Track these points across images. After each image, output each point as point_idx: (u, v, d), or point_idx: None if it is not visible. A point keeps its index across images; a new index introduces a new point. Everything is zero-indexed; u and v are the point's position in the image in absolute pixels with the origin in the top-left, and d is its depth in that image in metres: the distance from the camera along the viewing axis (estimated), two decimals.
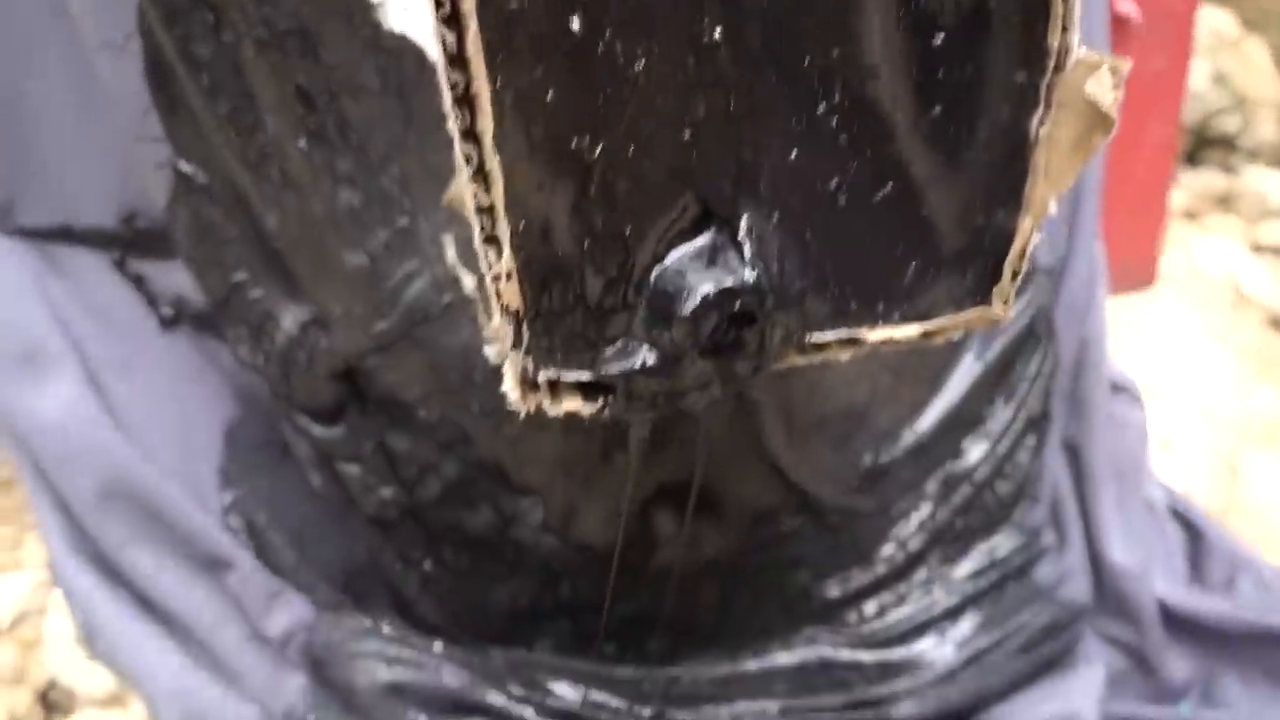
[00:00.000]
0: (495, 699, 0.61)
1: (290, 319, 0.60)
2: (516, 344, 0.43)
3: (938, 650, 0.72)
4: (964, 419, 0.71)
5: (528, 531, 0.64)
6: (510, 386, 0.45)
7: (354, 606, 0.66)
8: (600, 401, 0.45)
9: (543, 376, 0.44)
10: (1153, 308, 1.21)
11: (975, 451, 0.73)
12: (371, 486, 0.64)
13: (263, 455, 0.68)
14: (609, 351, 0.43)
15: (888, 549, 0.72)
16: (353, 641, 0.62)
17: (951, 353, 0.70)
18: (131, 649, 0.62)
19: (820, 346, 0.46)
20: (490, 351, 0.44)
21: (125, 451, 0.62)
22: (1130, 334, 0.93)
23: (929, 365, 0.69)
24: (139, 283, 0.65)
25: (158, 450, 0.65)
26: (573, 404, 0.45)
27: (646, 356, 0.43)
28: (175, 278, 0.65)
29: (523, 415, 0.45)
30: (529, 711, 0.61)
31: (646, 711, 0.64)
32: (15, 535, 0.82)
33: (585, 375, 0.44)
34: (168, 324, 0.66)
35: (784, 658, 0.69)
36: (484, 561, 0.65)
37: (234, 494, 0.67)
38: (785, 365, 0.47)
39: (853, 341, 0.46)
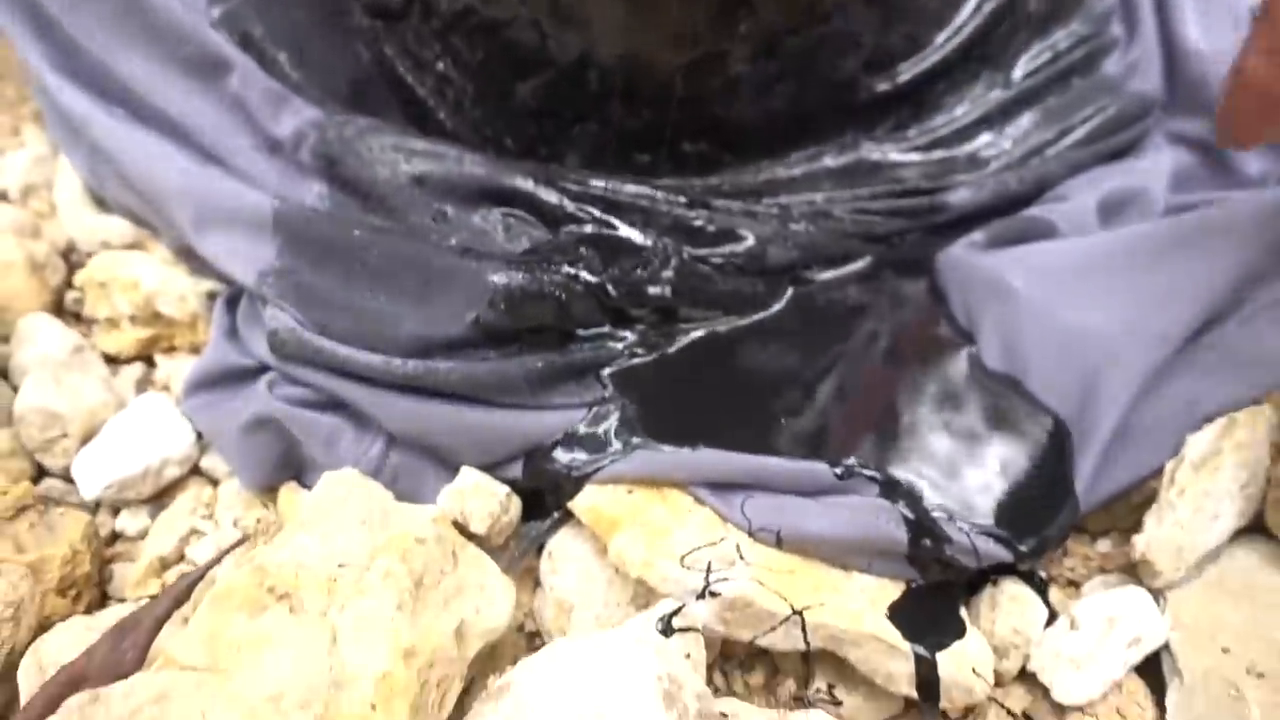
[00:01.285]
0: (524, 184, 0.57)
1: None
2: None
3: (994, 146, 0.67)
4: None
5: (547, 10, 0.58)
6: None
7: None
8: None
9: None
10: None
11: None
12: None
13: None
14: None
15: (941, 36, 0.66)
16: (369, 136, 0.57)
17: None
18: (136, 161, 0.59)
19: None
20: None
21: None
22: None
23: None
24: None
25: None
26: None
27: None
28: None
29: None
30: (556, 196, 0.58)
31: (683, 199, 0.60)
32: (13, 124, 0.78)
33: None
34: None
35: (830, 160, 0.65)
36: (503, 53, 0.60)
37: (222, 6, 0.61)
38: None
39: None
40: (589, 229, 0.57)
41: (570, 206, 0.57)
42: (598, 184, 0.59)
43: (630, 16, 0.58)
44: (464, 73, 0.61)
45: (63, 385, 0.56)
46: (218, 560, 0.50)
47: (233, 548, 0.51)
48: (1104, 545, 0.57)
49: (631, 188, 0.60)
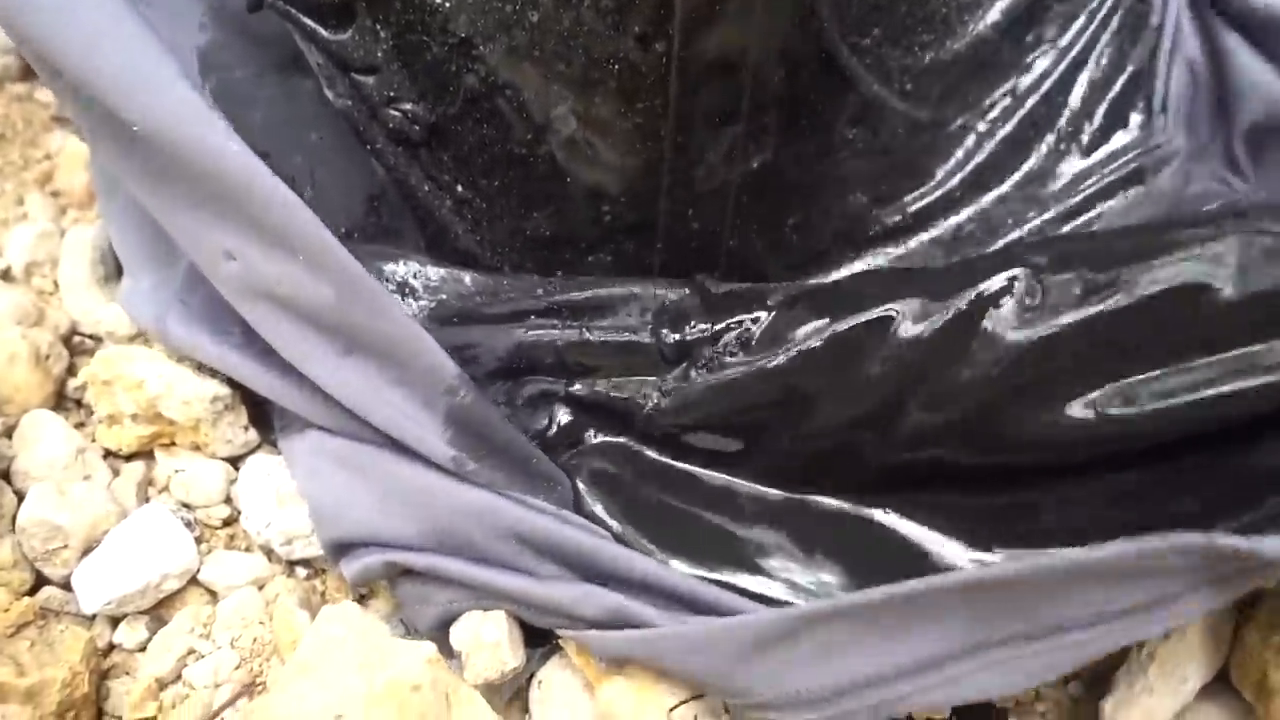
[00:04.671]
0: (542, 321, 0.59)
1: None
2: None
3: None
4: (1032, 19, 0.65)
5: (562, 146, 0.59)
6: None
7: (381, 237, 0.63)
8: None
9: None
10: None
11: (1041, 64, 0.67)
12: (391, 99, 0.59)
13: (255, 84, 0.62)
14: None
15: (945, 168, 0.67)
16: None
17: None
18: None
19: None
20: None
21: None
22: None
23: None
24: None
25: None
26: None
27: None
28: None
29: None
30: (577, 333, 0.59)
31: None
32: (16, 191, 0.78)
33: None
34: None
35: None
36: (519, 184, 0.61)
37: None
38: None
39: None
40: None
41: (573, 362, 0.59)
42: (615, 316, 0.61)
43: (640, 153, 0.59)
44: (481, 197, 0.61)
45: (66, 496, 0.56)
46: (220, 711, 0.51)
47: (234, 699, 0.52)
48: (1075, 689, 0.59)
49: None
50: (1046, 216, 0.68)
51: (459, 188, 0.62)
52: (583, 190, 0.60)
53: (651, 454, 0.58)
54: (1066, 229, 0.66)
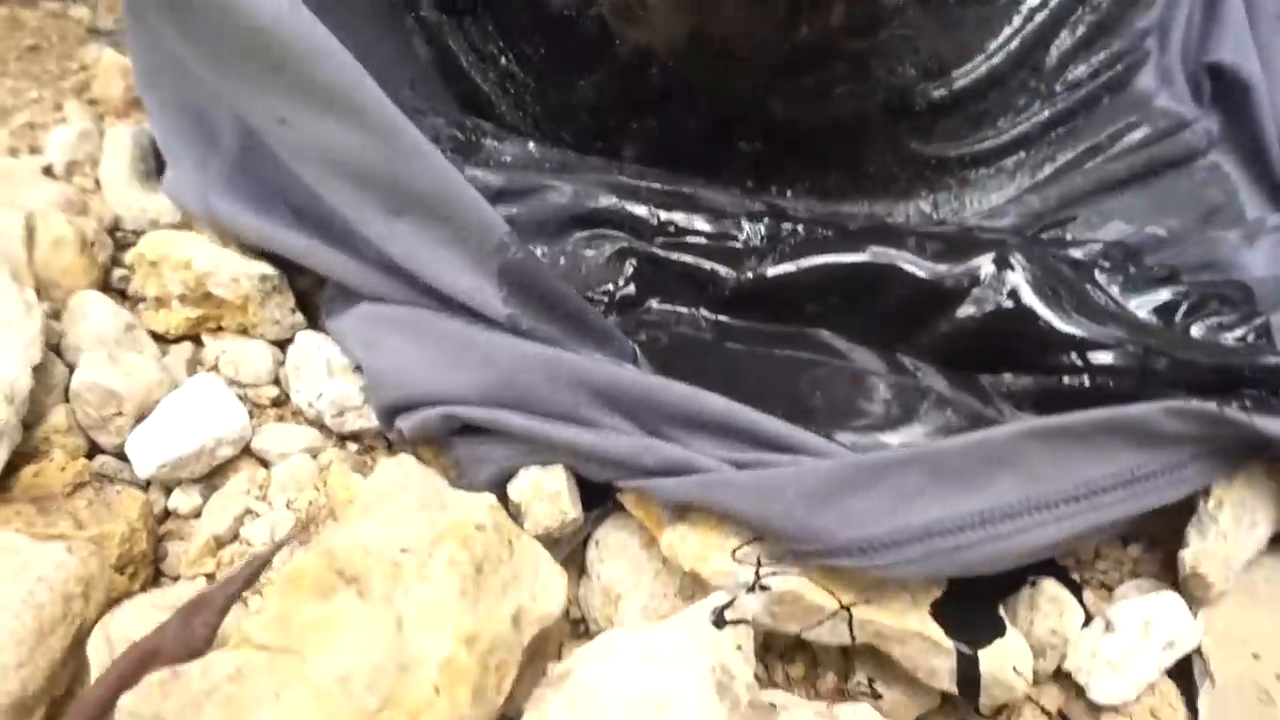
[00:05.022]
0: (607, 202, 0.59)
1: None
2: None
3: (1025, 165, 0.69)
4: None
5: (611, 7, 0.58)
6: None
7: (423, 109, 0.62)
8: None
9: None
10: None
11: None
12: None
13: None
14: None
15: (993, 44, 0.67)
16: None
17: None
18: None
19: None
20: None
21: None
22: None
23: None
24: None
25: None
26: None
27: None
28: None
29: None
30: (645, 210, 0.59)
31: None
32: (54, 99, 0.78)
33: None
34: None
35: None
36: (567, 50, 0.60)
37: None
38: None
39: None
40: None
41: (661, 216, 0.59)
42: (679, 188, 0.61)
43: (693, 15, 0.58)
44: (526, 68, 0.61)
45: (118, 364, 0.56)
46: (281, 546, 0.50)
47: (292, 535, 0.52)
48: (1135, 550, 0.59)
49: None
50: (1047, 114, 0.69)
51: (503, 60, 0.62)
52: (630, 53, 0.60)
53: (726, 320, 0.59)
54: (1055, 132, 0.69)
